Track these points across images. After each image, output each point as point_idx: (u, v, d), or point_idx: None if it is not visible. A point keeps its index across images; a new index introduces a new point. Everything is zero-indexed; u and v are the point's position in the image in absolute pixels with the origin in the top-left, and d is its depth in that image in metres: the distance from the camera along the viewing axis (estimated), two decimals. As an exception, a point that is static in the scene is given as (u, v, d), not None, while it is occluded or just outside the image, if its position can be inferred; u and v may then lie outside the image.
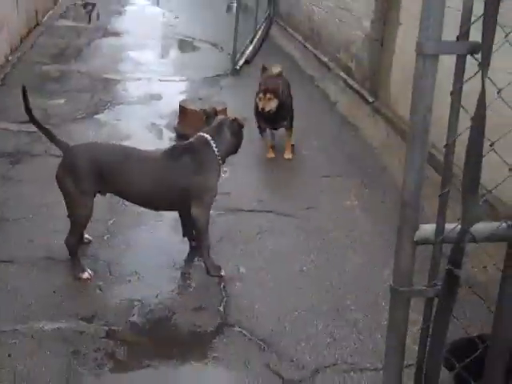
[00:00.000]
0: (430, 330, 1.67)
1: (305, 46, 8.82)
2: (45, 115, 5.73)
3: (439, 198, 1.58)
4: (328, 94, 6.95)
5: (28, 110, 3.38)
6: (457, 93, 1.51)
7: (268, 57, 8.46)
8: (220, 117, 3.66)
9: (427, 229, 1.60)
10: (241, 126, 3.60)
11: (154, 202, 3.46)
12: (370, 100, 6.38)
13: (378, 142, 5.63)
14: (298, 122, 5.57)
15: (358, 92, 6.70)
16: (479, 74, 1.50)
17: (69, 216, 3.38)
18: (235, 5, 10.30)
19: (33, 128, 5.35)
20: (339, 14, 7.49)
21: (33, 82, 6.72)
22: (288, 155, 5.18)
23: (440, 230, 1.59)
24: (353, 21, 7.02)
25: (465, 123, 1.53)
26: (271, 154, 5.21)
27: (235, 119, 3.58)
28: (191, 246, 3.75)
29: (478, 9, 1.67)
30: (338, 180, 4.85)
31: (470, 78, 1.54)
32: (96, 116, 5.86)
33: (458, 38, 1.63)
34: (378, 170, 5.06)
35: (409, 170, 1.55)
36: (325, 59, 7.92)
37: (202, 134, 3.53)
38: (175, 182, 3.36)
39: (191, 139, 3.54)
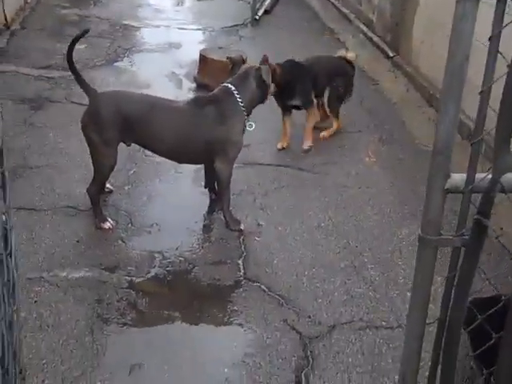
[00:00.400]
0: (456, 280, 1.68)
1: (326, -4, 8.69)
2: (65, 61, 5.70)
3: (471, 146, 1.57)
4: (347, 46, 6.86)
5: (69, 55, 3.37)
6: (495, 38, 1.48)
7: (288, 6, 8.36)
8: (245, 65, 3.59)
9: (457, 178, 1.60)
10: (267, 75, 3.51)
11: (178, 154, 3.47)
12: (391, 54, 6.32)
13: (397, 98, 5.60)
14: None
15: (378, 46, 6.63)
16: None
17: (92, 164, 3.41)
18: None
19: (52, 74, 5.47)
20: (362, -37, 7.35)
21: (52, 26, 6.72)
22: (306, 144, 4.54)
23: (471, 179, 1.58)
24: (376, -29, 6.90)
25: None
26: (282, 143, 4.55)
27: (260, 67, 3.53)
28: (211, 199, 3.79)
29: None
30: (357, 135, 4.84)
31: (509, 23, 1.51)
32: (116, 63, 5.85)
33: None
34: (396, 125, 5.04)
35: (442, 118, 1.54)
36: (346, 11, 7.82)
37: (225, 84, 3.48)
38: (198, 134, 3.36)
39: (215, 90, 3.51)
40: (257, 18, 7.51)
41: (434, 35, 5.37)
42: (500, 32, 1.52)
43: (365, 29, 7.10)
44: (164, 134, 3.36)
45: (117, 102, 3.35)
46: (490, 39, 1.49)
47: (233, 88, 3.43)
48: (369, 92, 5.67)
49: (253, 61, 5.59)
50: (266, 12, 7.86)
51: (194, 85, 5.44)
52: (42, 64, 5.62)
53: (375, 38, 6.77)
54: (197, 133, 3.36)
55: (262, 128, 4.77)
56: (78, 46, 6.02)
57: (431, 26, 5.48)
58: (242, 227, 3.52)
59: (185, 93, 5.30)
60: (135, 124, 3.30)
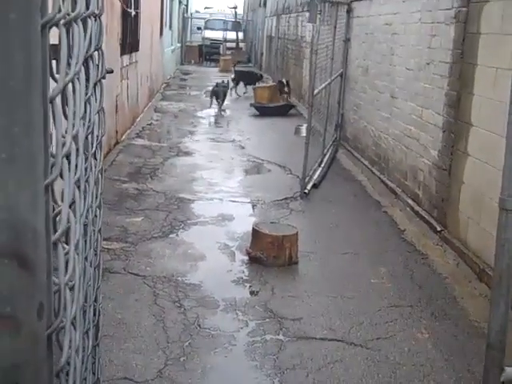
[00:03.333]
0: None
1: (371, 170, 9.06)
2: (123, 233, 6.02)
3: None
4: (395, 220, 7.06)
5: None
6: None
7: (336, 180, 8.72)
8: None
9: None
10: None
11: None
12: (439, 229, 6.45)
13: (447, 272, 5.64)
14: (365, 250, 5.68)
15: (426, 220, 6.79)
16: None
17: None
18: (303, 127, 10.75)
19: (112, 245, 5.73)
20: (406, 141, 7.72)
21: (112, 200, 7.10)
22: None
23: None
24: (420, 149, 7.23)
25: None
26: None
27: None
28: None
29: None
30: (408, 310, 4.86)
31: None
32: (171, 235, 6.10)
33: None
34: (448, 301, 5.05)
35: (494, 314, 1.61)
36: (392, 185, 8.10)
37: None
38: None
39: None
40: (306, 191, 7.82)
41: (481, 212, 5.52)
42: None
43: (412, 203, 7.31)
44: None
45: None
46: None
47: None
48: (418, 266, 5.75)
49: (303, 236, 5.82)
50: (315, 186, 8.20)
51: (246, 257, 5.61)
52: (103, 236, 5.90)
53: (422, 213, 6.95)
54: None
55: (314, 300, 4.86)
56: (135, 219, 6.47)
57: (477, 203, 5.64)
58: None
59: (238, 265, 5.47)
60: None
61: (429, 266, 5.78)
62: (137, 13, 11.90)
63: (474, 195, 5.75)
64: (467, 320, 4.71)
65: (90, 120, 1.19)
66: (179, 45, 29.75)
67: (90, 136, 1.27)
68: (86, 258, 1.31)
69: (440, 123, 6.63)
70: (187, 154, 10.12)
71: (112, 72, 1.70)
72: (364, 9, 10.17)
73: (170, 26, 23.43)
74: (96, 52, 1.22)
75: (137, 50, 12.38)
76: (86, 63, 1.11)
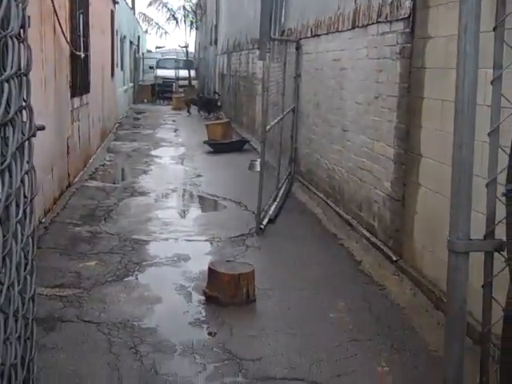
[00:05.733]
0: None
1: (327, 203, 9.09)
2: (77, 278, 5.88)
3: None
4: (352, 252, 7.07)
5: None
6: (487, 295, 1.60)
7: (291, 214, 8.72)
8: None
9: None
10: None
11: None
12: (395, 258, 6.49)
13: (404, 302, 5.65)
14: (322, 284, 5.66)
15: (382, 250, 6.83)
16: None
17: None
18: (257, 163, 10.77)
19: (65, 292, 5.58)
20: (360, 173, 7.79)
21: (64, 244, 6.96)
22: None
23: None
24: (373, 181, 7.30)
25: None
26: None
27: None
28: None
29: (501, 209, 1.81)
30: (368, 344, 4.83)
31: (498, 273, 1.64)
32: (126, 278, 5.98)
33: (485, 236, 1.76)
34: (407, 332, 5.05)
35: (449, 357, 1.60)
36: (347, 217, 8.14)
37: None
38: None
39: None
40: (262, 227, 7.80)
41: (435, 241, 5.56)
42: (491, 282, 1.64)
43: (367, 234, 7.34)
44: None
45: None
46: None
47: None
48: (376, 297, 5.75)
49: (259, 272, 5.78)
50: (271, 221, 8.18)
51: (203, 297, 5.52)
52: (55, 283, 5.76)
53: (378, 243, 6.98)
54: None
55: (274, 340, 4.79)
56: (88, 263, 6.34)
57: (430, 231, 5.70)
58: None
59: (194, 306, 5.38)
60: None
61: (386, 297, 5.78)
62: (86, 55, 11.86)
63: (428, 224, 5.81)
64: (427, 350, 4.70)
65: (11, 186, 1.14)
66: (131, 84, 29.75)
67: (12, 203, 1.21)
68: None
69: (391, 155, 6.71)
70: (142, 193, 10.03)
71: (43, 129, 1.63)
72: (312, 45, 10.32)
73: (122, 67, 23.44)
74: (19, 113, 1.18)
75: (87, 91, 12.31)
76: (4, 126, 1.06)
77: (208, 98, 20.95)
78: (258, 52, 11.87)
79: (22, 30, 1.21)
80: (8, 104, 1.03)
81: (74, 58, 10.48)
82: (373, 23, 7.32)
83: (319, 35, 9.83)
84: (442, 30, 5.52)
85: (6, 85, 0.99)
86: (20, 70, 1.09)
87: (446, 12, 5.42)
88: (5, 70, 0.98)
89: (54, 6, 8.56)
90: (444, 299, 5.17)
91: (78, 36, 11.06)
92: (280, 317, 5.27)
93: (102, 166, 12.50)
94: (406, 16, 6.28)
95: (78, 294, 5.50)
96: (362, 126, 7.68)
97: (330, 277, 6.25)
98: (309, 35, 10.47)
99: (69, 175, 9.98)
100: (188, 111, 24.91)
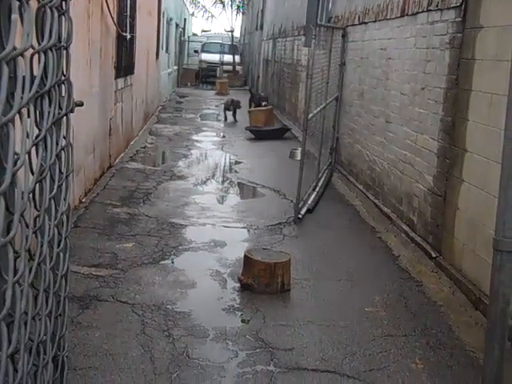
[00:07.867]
0: None
1: (366, 195, 8.99)
2: (114, 259, 5.91)
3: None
4: (390, 246, 6.97)
5: None
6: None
7: (330, 205, 8.64)
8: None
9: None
10: None
11: None
12: (434, 255, 6.37)
13: (442, 300, 5.54)
14: (359, 277, 5.58)
15: (420, 246, 6.71)
16: None
17: None
18: (298, 151, 10.69)
19: (101, 272, 5.62)
20: (401, 166, 7.66)
21: (103, 225, 7.01)
22: None
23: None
24: (415, 174, 7.17)
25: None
26: None
27: None
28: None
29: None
30: (403, 340, 4.75)
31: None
32: (162, 262, 5.99)
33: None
34: (443, 330, 4.95)
35: (489, 358, 1.54)
36: (387, 210, 8.02)
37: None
38: None
39: None
40: (300, 216, 7.74)
41: (476, 239, 5.44)
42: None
43: (407, 229, 7.23)
44: None
45: None
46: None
47: None
48: (413, 293, 5.65)
49: (296, 262, 5.73)
50: (309, 211, 8.11)
51: (238, 284, 5.50)
52: (92, 262, 5.80)
53: (417, 238, 6.87)
54: None
55: (306, 331, 4.75)
56: (126, 244, 6.36)
57: (472, 229, 5.57)
58: None
59: (229, 292, 5.36)
60: None
61: (424, 293, 5.68)
62: (132, 36, 11.89)
63: (469, 221, 5.67)
64: (463, 350, 4.60)
65: (45, 161, 1.11)
66: (176, 67, 29.84)
67: (46, 178, 1.18)
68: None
69: (435, 149, 6.58)
70: (181, 177, 10.05)
71: (82, 105, 1.61)
72: (359, 33, 10.17)
73: (167, 49, 23.50)
74: (57, 87, 1.14)
75: (132, 73, 12.36)
76: (41, 99, 1.03)
77: (260, 96, 19.07)
78: (303, 38, 11.78)
79: (64, 2, 1.18)
80: (46, 75, 1.00)
81: (120, 38, 10.51)
82: (423, 11, 7.16)
83: (366, 23, 9.68)
84: (495, 20, 5.36)
85: (42, 56, 0.95)
86: (60, 42, 1.05)
87: (501, 2, 5.26)
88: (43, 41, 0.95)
89: (102, -14, 8.58)
90: (484, 299, 5.06)
91: (125, 17, 11.10)
92: (314, 308, 5.22)
93: (143, 148, 12.56)
94: (458, 4, 6.12)
95: (115, 274, 5.53)
96: (406, 117, 7.55)
97: (367, 270, 6.16)
98: (356, 23, 10.32)
99: (110, 156, 10.06)
100: (225, 118, 18.05)
